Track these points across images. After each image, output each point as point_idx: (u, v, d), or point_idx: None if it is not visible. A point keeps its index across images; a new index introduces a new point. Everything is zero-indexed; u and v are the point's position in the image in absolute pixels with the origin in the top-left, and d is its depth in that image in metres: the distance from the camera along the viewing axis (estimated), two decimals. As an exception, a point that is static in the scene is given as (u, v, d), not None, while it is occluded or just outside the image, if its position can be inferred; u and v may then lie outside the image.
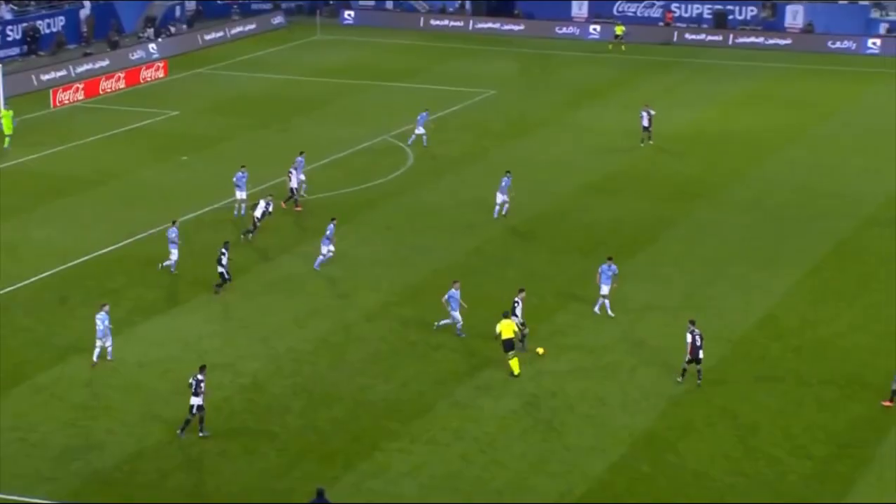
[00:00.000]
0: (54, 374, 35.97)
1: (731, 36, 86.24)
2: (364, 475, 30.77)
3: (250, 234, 46.75)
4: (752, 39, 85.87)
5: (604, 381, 35.84)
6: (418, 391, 35.27)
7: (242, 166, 49.83)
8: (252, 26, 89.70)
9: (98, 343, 36.22)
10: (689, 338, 34.75)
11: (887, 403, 33.45)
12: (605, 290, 39.85)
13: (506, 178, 49.69)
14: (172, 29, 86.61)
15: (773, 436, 32.49)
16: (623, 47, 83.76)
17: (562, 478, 30.59)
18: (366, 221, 49.59)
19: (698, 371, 34.71)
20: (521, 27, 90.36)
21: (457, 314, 38.29)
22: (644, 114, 59.46)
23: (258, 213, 46.66)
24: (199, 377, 32.16)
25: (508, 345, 35.76)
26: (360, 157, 58.38)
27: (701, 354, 34.49)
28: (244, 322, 39.86)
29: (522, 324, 37.20)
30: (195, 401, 31.98)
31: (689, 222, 49.67)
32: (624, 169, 56.61)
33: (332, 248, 43.93)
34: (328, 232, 43.91)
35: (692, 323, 35.04)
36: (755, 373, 35.93)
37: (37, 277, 43.10)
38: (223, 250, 41.83)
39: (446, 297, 38.22)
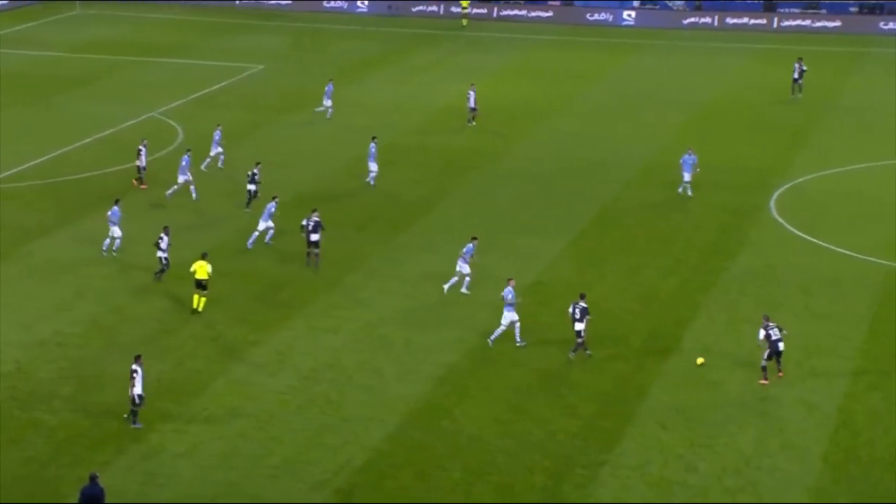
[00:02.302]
0: None
1: (496, 9, 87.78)
2: (138, 458, 30.11)
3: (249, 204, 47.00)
4: (516, 12, 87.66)
5: (379, 352, 36.07)
6: (194, 370, 34.71)
7: (188, 150, 48.69)
8: (4, 1, 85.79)
9: None
10: (570, 309, 35.43)
11: (764, 382, 34.27)
12: (465, 269, 39.77)
13: (372, 145, 49.84)
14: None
15: (544, 397, 33.41)
16: (465, 22, 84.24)
17: (340, 450, 30.68)
18: (134, 200, 48.30)
19: (577, 344, 35.39)
20: (289, 1, 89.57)
21: (512, 314, 36.17)
22: (470, 93, 59.23)
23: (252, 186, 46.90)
24: (133, 367, 31.17)
25: (199, 284, 37.74)
26: (128, 135, 56.78)
27: (577, 326, 35.08)
28: (5, 308, 38.27)
29: (314, 244, 40.93)
30: (137, 391, 31.12)
31: (460, 193, 50.41)
32: (396, 142, 56.90)
33: (270, 223, 43.29)
34: (270, 209, 43.31)
35: (581, 296, 35.50)
36: (526, 337, 36.80)
37: None
38: (162, 235, 40.23)
39: (503, 294, 36.27)
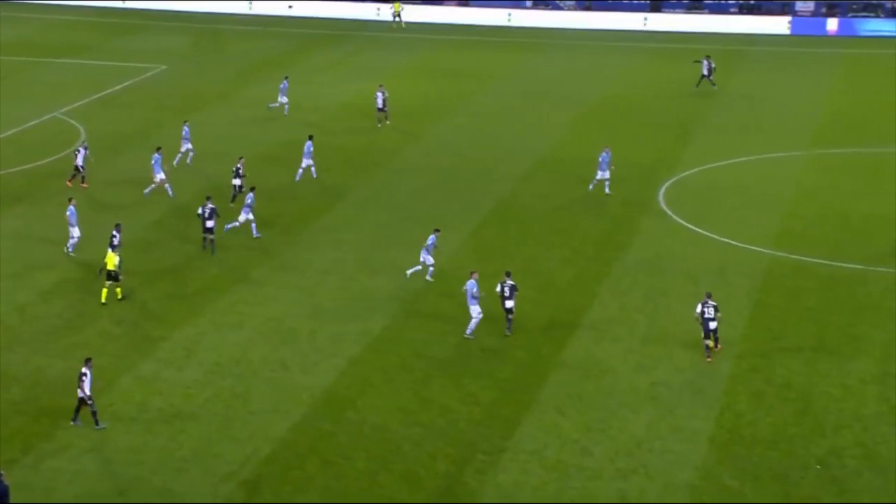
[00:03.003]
0: None
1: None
2: (44, 455, 29.55)
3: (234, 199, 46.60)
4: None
5: (284, 345, 35.88)
6: (99, 367, 33.97)
7: (158, 148, 47.76)
8: None
9: None
10: (498, 288, 36.15)
11: (707, 360, 34.86)
12: (429, 259, 40.02)
13: (308, 143, 50.04)
14: None
15: (445, 386, 33.55)
16: (403, 24, 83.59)
17: (247, 442, 30.46)
18: (39, 199, 47.37)
19: (508, 320, 36.16)
20: (190, 1, 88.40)
21: (476, 307, 36.06)
22: (378, 94, 58.35)
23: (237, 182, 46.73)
24: (83, 370, 30.50)
25: (110, 275, 37.86)
26: (30, 135, 55.59)
27: (508, 304, 35.88)
28: None
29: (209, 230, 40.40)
30: (81, 392, 30.34)
31: (361, 189, 50.33)
32: (296, 140, 56.51)
33: (251, 216, 43.55)
34: (248, 200, 43.72)
35: (507, 274, 36.30)
36: (429, 329, 36.92)
37: None
38: (114, 233, 39.65)
39: (464, 288, 36.25)
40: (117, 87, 64.76)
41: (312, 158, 50.32)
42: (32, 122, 57.75)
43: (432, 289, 39.94)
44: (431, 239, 40.44)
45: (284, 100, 59.68)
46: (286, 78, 60.81)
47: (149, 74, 68.39)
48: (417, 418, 31.81)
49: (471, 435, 31.02)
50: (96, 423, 30.66)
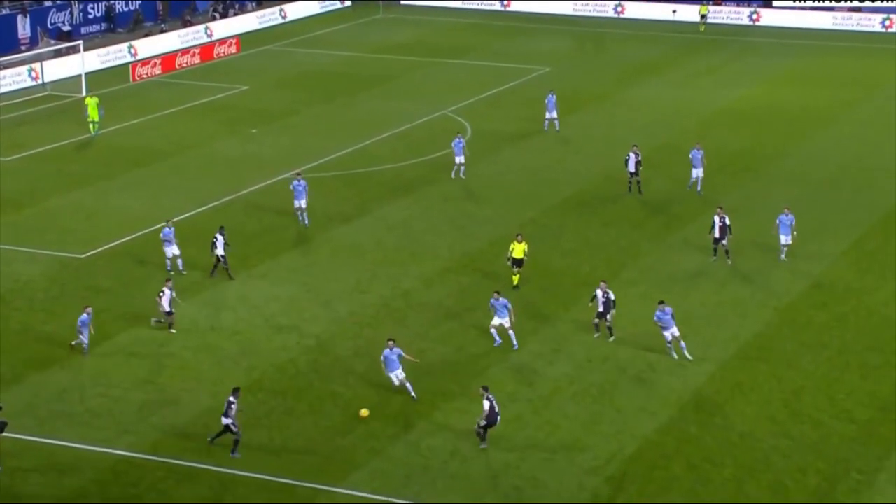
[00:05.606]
0: (133, 334, 36.28)
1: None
2: (423, 433, 30.67)
3: None
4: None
5: (652, 347, 35.59)
6: (473, 355, 35.11)
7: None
8: (317, 5, 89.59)
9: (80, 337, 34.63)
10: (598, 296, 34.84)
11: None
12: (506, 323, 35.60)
13: (458, 139, 50.23)
14: (244, 6, 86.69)
15: (818, 400, 32.10)
16: (703, 27, 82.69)
17: (613, 438, 30.41)
18: (425, 193, 49.48)
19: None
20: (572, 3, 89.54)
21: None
22: (631, 155, 48.48)
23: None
24: (231, 399, 29.62)
25: (518, 262, 38.51)
26: (420, 131, 58.16)
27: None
28: (309, 287, 39.88)
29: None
30: (226, 420, 29.51)
31: (734, 196, 49.04)
32: (673, 144, 55.82)
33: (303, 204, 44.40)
34: (299, 187, 44.43)
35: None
36: (800, 339, 35.50)
37: (116, 242, 43.45)
38: (218, 235, 39.61)
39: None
40: (503, 87, 66.49)
41: (464, 154, 49.72)
42: (423, 119, 60.33)
43: (805, 300, 38.39)
44: None
45: (554, 115, 56.94)
46: (551, 91, 58.14)
47: (533, 76, 69.79)
48: (787, 430, 30.63)
49: (845, 452, 29.51)
50: (233, 452, 29.41)
